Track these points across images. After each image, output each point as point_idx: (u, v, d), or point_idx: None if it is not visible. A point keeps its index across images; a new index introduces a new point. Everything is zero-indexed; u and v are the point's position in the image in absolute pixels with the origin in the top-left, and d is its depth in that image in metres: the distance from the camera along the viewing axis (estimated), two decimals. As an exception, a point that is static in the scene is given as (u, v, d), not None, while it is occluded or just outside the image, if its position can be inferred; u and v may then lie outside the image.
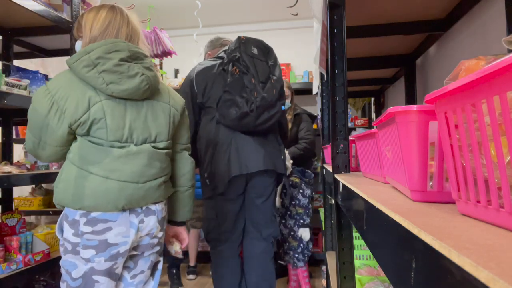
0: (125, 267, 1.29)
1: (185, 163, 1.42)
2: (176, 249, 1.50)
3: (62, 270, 1.20)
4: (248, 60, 1.85)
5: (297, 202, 2.64)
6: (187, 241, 1.51)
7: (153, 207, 1.26)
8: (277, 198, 2.57)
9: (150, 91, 1.23)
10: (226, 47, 2.02)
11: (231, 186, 1.91)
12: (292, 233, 2.64)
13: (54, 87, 1.16)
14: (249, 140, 1.92)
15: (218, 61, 1.98)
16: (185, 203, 1.44)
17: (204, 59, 2.27)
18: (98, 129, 1.16)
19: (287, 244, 2.65)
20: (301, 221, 2.64)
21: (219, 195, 1.92)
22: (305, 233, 2.60)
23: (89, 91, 1.15)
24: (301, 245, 2.61)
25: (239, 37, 1.90)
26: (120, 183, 1.16)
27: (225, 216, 1.95)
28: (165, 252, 1.46)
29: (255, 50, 1.90)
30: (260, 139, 1.96)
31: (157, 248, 1.34)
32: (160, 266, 1.39)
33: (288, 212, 2.67)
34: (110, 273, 1.20)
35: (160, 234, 1.32)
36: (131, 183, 1.18)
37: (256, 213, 2.00)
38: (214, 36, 2.32)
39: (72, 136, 1.20)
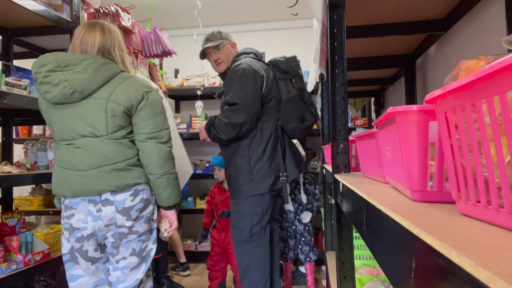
0: (110, 253, 1.46)
1: (150, 152, 1.44)
2: (162, 229, 1.62)
3: None
4: (303, 77, 2.20)
5: (316, 196, 2.79)
6: (175, 224, 1.61)
7: (111, 197, 1.38)
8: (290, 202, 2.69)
9: (81, 93, 1.35)
10: (248, 49, 2.21)
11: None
12: (307, 228, 2.75)
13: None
14: (294, 144, 2.23)
15: (267, 66, 2.17)
16: (159, 191, 1.49)
17: (220, 47, 2.18)
18: (53, 131, 1.43)
19: (303, 239, 2.74)
20: (309, 206, 2.76)
21: (272, 191, 2.07)
22: (307, 216, 2.72)
23: (44, 102, 1.44)
24: (312, 239, 2.76)
25: (295, 56, 2.19)
26: (65, 171, 1.37)
27: (267, 211, 2.08)
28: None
29: None
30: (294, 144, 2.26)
31: (133, 236, 1.43)
32: (152, 253, 1.50)
33: (300, 208, 2.75)
34: (82, 253, 1.40)
35: (129, 224, 1.40)
36: (74, 171, 1.36)
37: (276, 209, 2.27)
38: (218, 30, 2.27)
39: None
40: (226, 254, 2.66)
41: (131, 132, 1.44)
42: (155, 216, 1.53)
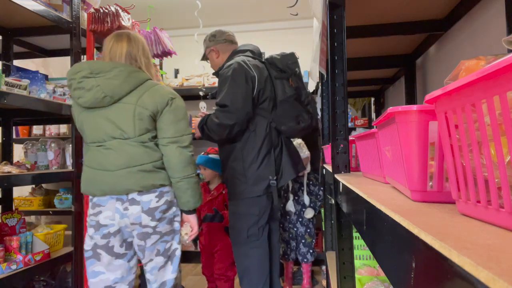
0: (140, 257, 1.53)
1: (172, 156, 1.51)
2: (182, 233, 1.63)
3: None
4: (301, 76, 2.14)
5: (319, 197, 2.78)
6: (195, 229, 1.65)
7: (138, 197, 1.45)
8: (290, 202, 2.73)
9: (111, 98, 1.45)
10: (244, 46, 2.18)
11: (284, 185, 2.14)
12: (308, 230, 2.75)
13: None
14: (292, 145, 2.19)
15: (263, 65, 2.13)
16: (180, 194, 1.55)
17: (205, 54, 2.27)
18: (83, 134, 1.50)
19: (303, 241, 2.74)
20: (312, 204, 2.76)
21: (270, 193, 2.05)
22: (309, 212, 2.72)
23: (77, 107, 1.51)
24: (313, 241, 2.75)
25: (293, 53, 2.13)
26: (95, 171, 1.45)
27: (264, 212, 2.07)
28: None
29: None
30: (294, 144, 2.23)
31: (156, 237, 1.49)
32: (177, 253, 1.57)
33: (304, 209, 2.75)
34: (108, 249, 1.46)
35: (153, 224, 1.47)
36: (104, 171, 1.44)
37: (276, 209, 2.23)
38: (216, 30, 2.26)
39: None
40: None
41: (157, 136, 1.52)
42: (178, 218, 1.58)
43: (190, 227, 1.65)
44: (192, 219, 1.64)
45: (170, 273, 1.55)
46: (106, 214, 1.44)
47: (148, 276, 1.55)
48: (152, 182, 1.46)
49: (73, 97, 1.47)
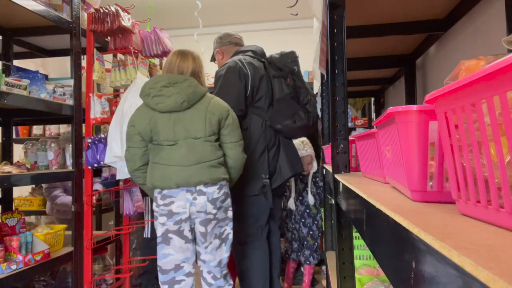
0: (200, 242, 1.76)
1: (235, 157, 1.82)
2: None
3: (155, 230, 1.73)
4: (301, 75, 2.13)
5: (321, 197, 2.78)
6: None
7: (204, 189, 1.69)
8: (291, 200, 2.73)
9: (188, 103, 1.72)
10: (247, 47, 2.20)
11: (281, 184, 2.13)
12: (311, 232, 2.74)
13: (133, 116, 1.77)
14: (291, 144, 2.18)
15: (261, 64, 2.12)
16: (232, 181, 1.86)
17: (213, 55, 2.35)
18: (156, 134, 1.70)
19: (305, 243, 2.73)
20: (317, 203, 2.77)
21: (265, 192, 2.05)
22: (311, 198, 2.72)
23: (147, 111, 1.73)
24: (316, 243, 2.75)
25: (294, 51, 2.13)
26: (169, 167, 1.67)
27: (263, 212, 2.08)
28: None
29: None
30: (294, 144, 2.23)
31: (215, 222, 1.74)
32: (230, 236, 1.81)
33: (307, 211, 2.73)
34: (179, 233, 1.69)
35: (214, 212, 1.72)
36: (179, 166, 1.67)
37: (276, 209, 2.23)
38: (223, 32, 2.34)
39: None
40: None
41: (219, 138, 1.80)
42: (231, 208, 1.82)
43: None
44: None
45: (224, 253, 1.79)
46: (178, 204, 1.67)
47: (207, 256, 1.77)
48: (217, 175, 1.72)
49: (150, 103, 1.71)
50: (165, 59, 3.31)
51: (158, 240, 1.72)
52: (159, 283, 1.74)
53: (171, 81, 1.74)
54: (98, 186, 2.63)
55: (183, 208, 1.69)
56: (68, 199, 2.78)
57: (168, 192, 1.68)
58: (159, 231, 1.72)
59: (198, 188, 1.70)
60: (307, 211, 2.74)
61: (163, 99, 1.70)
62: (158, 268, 1.74)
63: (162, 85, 1.73)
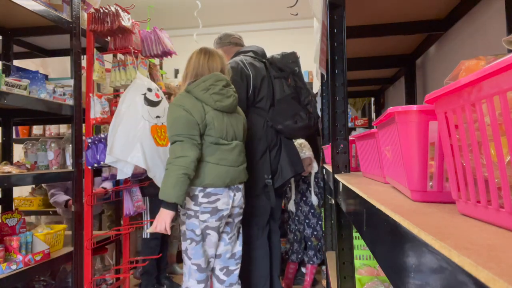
0: (224, 231, 1.85)
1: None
2: None
3: (187, 231, 1.75)
4: (302, 75, 2.15)
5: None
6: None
7: (240, 186, 1.85)
8: (291, 202, 2.74)
9: (235, 106, 1.84)
10: (248, 48, 2.20)
11: (282, 184, 2.15)
12: (315, 232, 2.74)
13: (184, 102, 1.72)
14: (292, 145, 2.20)
15: (262, 64, 2.12)
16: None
17: None
18: (211, 130, 1.74)
19: (309, 243, 2.74)
20: (320, 203, 2.76)
21: (267, 192, 2.07)
22: (315, 199, 2.73)
23: (204, 105, 1.74)
24: (320, 243, 2.75)
25: (294, 52, 2.16)
26: (224, 167, 1.75)
27: (263, 212, 2.09)
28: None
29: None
30: (294, 144, 2.25)
31: (241, 216, 1.91)
32: (241, 230, 1.94)
33: (312, 211, 2.73)
34: (218, 229, 1.78)
35: (243, 206, 1.89)
36: (232, 167, 1.78)
37: (276, 209, 2.22)
38: (223, 33, 2.34)
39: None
40: None
41: None
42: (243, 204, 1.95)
43: None
44: None
45: (238, 246, 1.92)
46: (223, 201, 1.76)
47: (227, 247, 1.87)
48: (247, 176, 1.90)
49: (207, 99, 1.72)
50: (165, 59, 3.31)
51: (196, 238, 1.74)
52: (195, 281, 1.75)
53: (228, 82, 1.82)
54: (107, 185, 2.61)
55: (227, 205, 1.78)
56: (62, 198, 2.75)
57: (213, 190, 1.74)
58: (197, 230, 1.73)
59: (236, 186, 1.83)
60: (312, 211, 2.74)
61: (222, 98, 1.76)
62: (194, 268, 1.75)
63: (223, 84, 1.78)
